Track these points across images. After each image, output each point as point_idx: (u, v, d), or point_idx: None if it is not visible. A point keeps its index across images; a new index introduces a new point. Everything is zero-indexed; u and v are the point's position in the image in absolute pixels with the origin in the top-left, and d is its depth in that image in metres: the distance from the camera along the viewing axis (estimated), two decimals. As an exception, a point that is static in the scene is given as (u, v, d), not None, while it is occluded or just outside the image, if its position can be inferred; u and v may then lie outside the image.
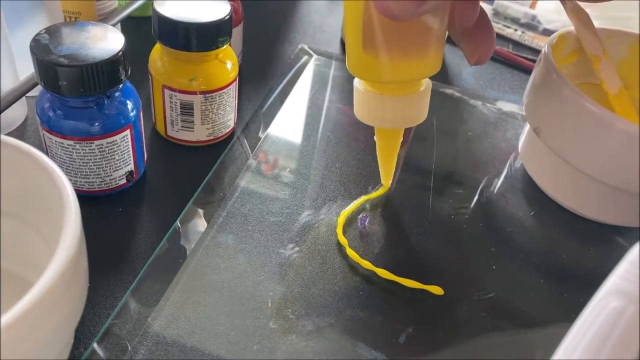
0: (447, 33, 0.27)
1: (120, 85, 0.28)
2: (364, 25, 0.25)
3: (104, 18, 0.38)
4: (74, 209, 0.20)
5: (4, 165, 0.22)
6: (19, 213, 0.23)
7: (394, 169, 0.33)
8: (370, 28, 0.25)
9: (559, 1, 0.36)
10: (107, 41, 0.27)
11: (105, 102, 0.28)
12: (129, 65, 0.28)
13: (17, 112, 0.35)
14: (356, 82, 0.29)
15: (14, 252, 0.25)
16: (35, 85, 0.32)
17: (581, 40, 0.35)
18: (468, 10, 0.25)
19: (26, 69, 0.34)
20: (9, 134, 0.32)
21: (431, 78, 0.45)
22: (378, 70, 0.26)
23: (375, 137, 0.31)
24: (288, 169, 0.34)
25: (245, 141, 0.36)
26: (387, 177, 0.33)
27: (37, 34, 0.27)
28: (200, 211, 0.31)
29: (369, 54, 0.25)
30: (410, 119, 0.29)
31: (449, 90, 0.44)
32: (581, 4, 0.36)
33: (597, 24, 0.37)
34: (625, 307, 0.13)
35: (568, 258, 0.32)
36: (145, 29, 0.45)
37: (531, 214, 0.34)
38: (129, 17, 0.39)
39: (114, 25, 0.37)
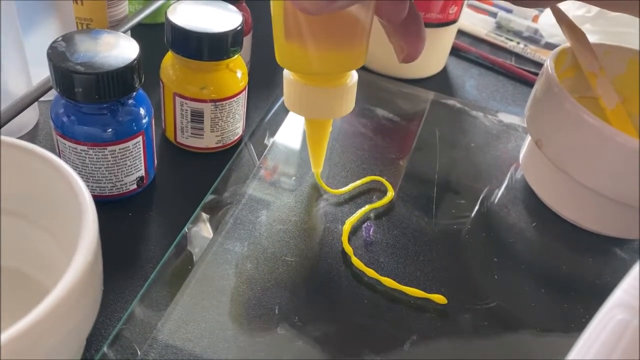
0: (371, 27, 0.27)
1: (134, 93, 0.29)
2: (285, 15, 0.25)
3: (115, 25, 0.39)
4: (92, 215, 0.20)
5: (21, 169, 0.23)
6: (33, 216, 0.24)
7: (323, 157, 0.34)
8: (290, 18, 0.25)
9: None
10: (122, 49, 0.28)
11: (119, 109, 0.28)
12: (143, 73, 0.29)
13: (29, 117, 0.35)
14: (286, 72, 0.30)
15: (27, 254, 0.25)
16: (48, 90, 0.32)
17: (577, 58, 0.36)
18: (394, 7, 0.25)
19: (38, 74, 0.35)
20: (20, 138, 0.32)
21: (435, 89, 0.46)
22: (301, 61, 0.27)
23: (304, 125, 0.32)
24: (294, 177, 0.35)
25: (253, 148, 0.36)
26: (316, 164, 0.34)
27: (54, 41, 0.28)
28: (209, 217, 0.31)
29: (291, 44, 0.26)
30: (336, 111, 0.30)
31: (450, 102, 0.44)
32: (576, 21, 0.37)
33: (596, 39, 0.38)
34: (630, 320, 0.13)
35: (567, 269, 0.33)
36: (154, 36, 0.45)
37: (533, 225, 0.35)
38: (139, 24, 0.40)
39: (124, 32, 0.37)
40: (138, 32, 0.41)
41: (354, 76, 0.30)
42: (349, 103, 0.30)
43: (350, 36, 0.26)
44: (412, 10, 0.26)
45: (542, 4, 0.23)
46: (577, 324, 0.29)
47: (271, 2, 0.26)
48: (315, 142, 0.33)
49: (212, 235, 0.30)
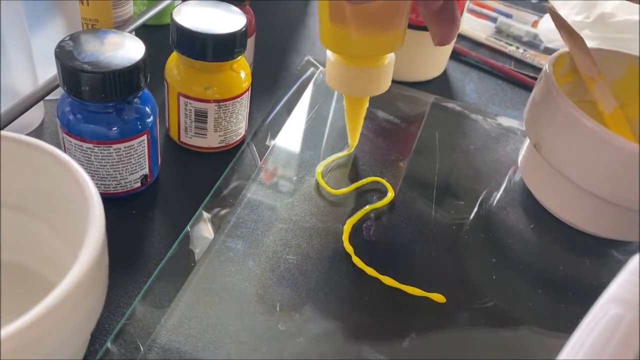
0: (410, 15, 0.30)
1: (140, 92, 0.29)
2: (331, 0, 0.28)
3: (120, 25, 0.40)
4: (99, 211, 0.21)
5: (28, 165, 0.23)
6: (40, 212, 0.24)
7: (359, 131, 0.37)
8: (335, 2, 0.28)
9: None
10: (129, 49, 0.28)
11: (125, 107, 0.29)
12: (148, 73, 0.29)
13: (35, 115, 0.36)
14: (329, 53, 0.32)
15: (33, 249, 0.25)
16: (54, 89, 0.33)
17: (576, 63, 0.36)
18: None
19: (44, 73, 0.35)
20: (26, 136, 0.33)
21: (435, 92, 0.46)
22: (343, 43, 0.30)
23: (344, 101, 0.35)
24: (295, 178, 0.36)
25: (255, 149, 0.37)
26: (353, 137, 0.37)
27: (62, 41, 0.28)
28: (211, 216, 0.32)
29: (335, 27, 0.29)
30: (374, 89, 0.33)
31: (450, 105, 0.45)
32: (576, 26, 0.38)
33: (595, 44, 0.38)
34: (624, 313, 0.14)
35: (565, 270, 0.33)
36: (158, 37, 0.46)
37: (531, 227, 0.35)
38: (143, 25, 0.40)
39: (129, 32, 0.38)
40: (142, 32, 0.41)
41: (391, 57, 0.32)
42: (386, 82, 0.33)
43: (389, 21, 0.28)
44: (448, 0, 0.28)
45: None
46: (573, 323, 0.30)
47: None
48: (353, 117, 0.36)
49: (214, 233, 0.31)
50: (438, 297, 0.29)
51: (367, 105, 0.35)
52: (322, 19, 0.29)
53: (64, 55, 0.27)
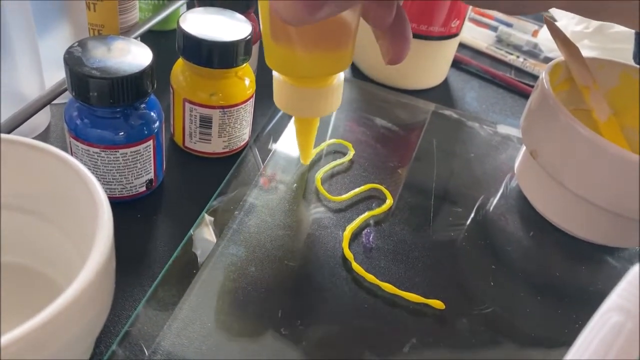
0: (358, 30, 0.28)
1: (147, 98, 0.30)
2: (271, 18, 0.26)
3: (125, 31, 0.40)
4: (107, 215, 0.21)
5: (37, 169, 0.23)
6: (49, 215, 0.25)
7: (311, 151, 0.36)
8: (276, 21, 0.25)
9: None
10: (136, 56, 0.29)
11: (132, 113, 0.29)
12: (155, 79, 0.30)
13: (41, 119, 0.36)
14: (275, 72, 0.30)
15: (41, 252, 0.26)
16: (61, 93, 0.33)
17: (572, 72, 0.37)
18: (381, 13, 0.26)
19: (51, 77, 0.36)
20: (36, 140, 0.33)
21: (436, 100, 0.47)
22: (288, 64, 0.28)
23: (293, 120, 0.34)
24: (295, 184, 0.36)
25: (257, 154, 0.37)
26: (304, 157, 0.36)
27: (71, 47, 0.29)
28: (214, 221, 0.32)
29: (278, 46, 0.27)
30: (322, 110, 0.31)
31: (447, 112, 0.45)
32: (575, 37, 0.38)
33: (594, 54, 0.39)
34: (624, 322, 0.14)
35: (561, 276, 0.33)
36: (163, 43, 0.47)
37: (530, 234, 0.36)
38: (149, 31, 0.41)
39: (134, 38, 0.38)
40: (147, 38, 0.42)
41: (340, 76, 0.31)
42: (335, 102, 0.31)
43: (336, 40, 0.27)
44: (400, 15, 0.27)
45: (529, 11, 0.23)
46: (570, 329, 0.30)
47: (259, 4, 0.27)
48: (303, 136, 0.34)
49: (216, 238, 0.31)
50: (437, 304, 0.30)
51: (317, 124, 0.33)
52: (265, 37, 0.27)
53: (73, 60, 0.28)
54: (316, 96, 0.30)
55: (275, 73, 0.30)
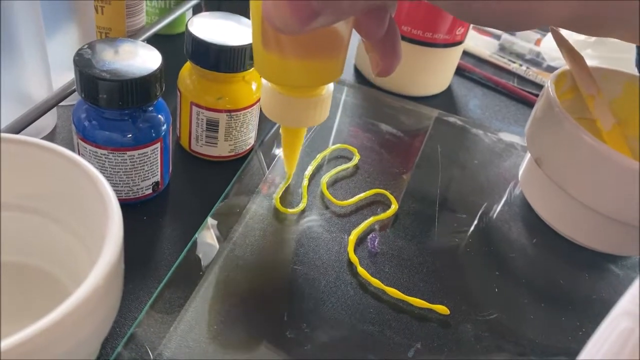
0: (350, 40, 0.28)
1: (155, 101, 0.30)
2: (263, 25, 0.25)
3: (132, 34, 0.40)
4: (117, 217, 0.21)
5: (47, 170, 0.24)
6: (58, 216, 0.25)
7: (296, 160, 0.35)
8: (268, 28, 0.25)
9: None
10: (145, 59, 0.29)
11: (140, 115, 0.30)
12: (164, 82, 0.30)
13: (48, 121, 0.36)
14: (264, 80, 0.30)
15: (51, 252, 0.26)
16: (69, 95, 0.34)
17: (576, 81, 0.37)
18: (373, 25, 0.25)
19: (58, 78, 0.36)
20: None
21: (439, 107, 0.47)
22: (278, 72, 0.27)
23: (280, 130, 0.33)
24: (300, 189, 0.36)
25: (262, 158, 0.37)
26: (289, 167, 0.35)
27: (80, 49, 0.29)
28: (219, 223, 0.32)
29: (269, 54, 0.26)
30: (310, 120, 0.31)
31: (451, 119, 0.46)
32: (578, 46, 0.38)
33: (595, 63, 0.39)
34: (634, 328, 0.14)
35: (565, 283, 0.34)
36: (170, 46, 0.47)
37: (534, 241, 0.36)
38: (155, 35, 0.41)
39: (141, 41, 0.39)
40: (153, 42, 0.42)
41: (329, 87, 0.30)
42: (323, 113, 0.31)
43: (327, 50, 0.26)
44: (391, 27, 0.27)
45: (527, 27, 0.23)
46: (573, 336, 0.30)
47: (250, 11, 0.26)
48: (289, 147, 0.34)
49: (222, 241, 0.31)
50: (442, 309, 0.30)
51: (304, 134, 0.33)
52: (255, 45, 0.27)
53: (83, 63, 0.28)
54: (305, 106, 0.30)
55: (264, 81, 0.30)
